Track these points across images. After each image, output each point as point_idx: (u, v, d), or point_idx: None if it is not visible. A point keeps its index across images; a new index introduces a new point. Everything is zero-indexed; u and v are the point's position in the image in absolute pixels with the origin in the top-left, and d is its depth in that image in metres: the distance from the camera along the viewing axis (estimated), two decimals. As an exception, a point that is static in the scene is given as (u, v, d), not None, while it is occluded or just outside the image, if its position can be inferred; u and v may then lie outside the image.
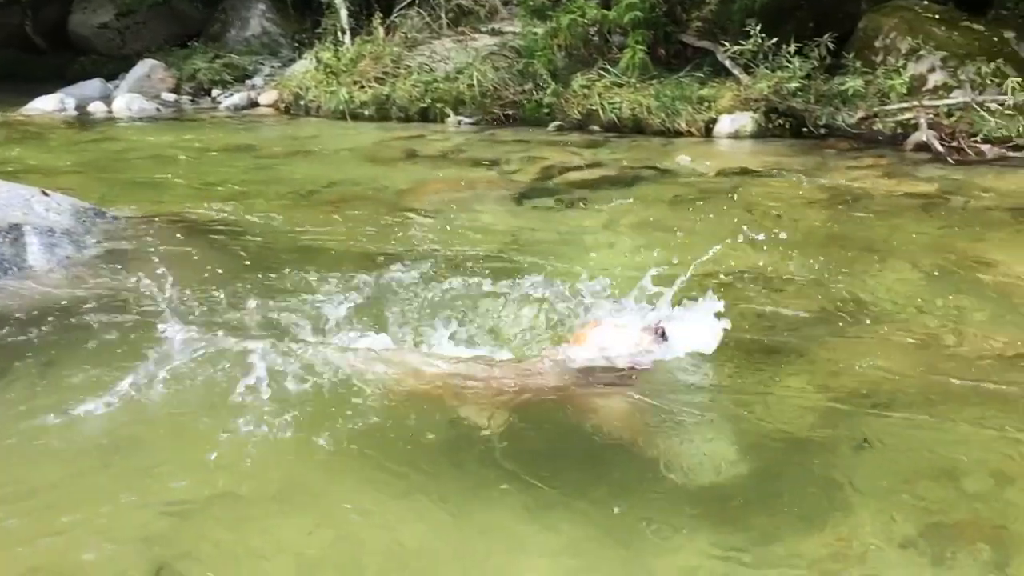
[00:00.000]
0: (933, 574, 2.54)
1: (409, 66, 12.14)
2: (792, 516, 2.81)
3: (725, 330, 3.68)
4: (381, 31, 12.90)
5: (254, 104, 13.70)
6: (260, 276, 4.96)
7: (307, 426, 3.27)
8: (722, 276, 5.13)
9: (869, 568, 2.56)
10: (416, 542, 2.72)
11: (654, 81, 10.75)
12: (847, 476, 3.01)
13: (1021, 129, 8.52)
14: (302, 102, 12.63)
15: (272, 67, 15.28)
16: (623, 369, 3.57)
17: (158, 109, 13.50)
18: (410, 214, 6.53)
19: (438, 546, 2.71)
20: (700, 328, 3.68)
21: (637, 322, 3.70)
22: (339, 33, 13.49)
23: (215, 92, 14.64)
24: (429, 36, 12.81)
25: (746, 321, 4.24)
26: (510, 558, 2.65)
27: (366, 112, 11.84)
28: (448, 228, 6.13)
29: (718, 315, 3.69)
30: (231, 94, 14.14)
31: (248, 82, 14.86)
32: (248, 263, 5.25)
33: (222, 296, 4.52)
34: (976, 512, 2.83)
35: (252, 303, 4.36)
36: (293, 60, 14.72)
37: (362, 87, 12.03)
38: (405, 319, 3.89)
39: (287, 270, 4.98)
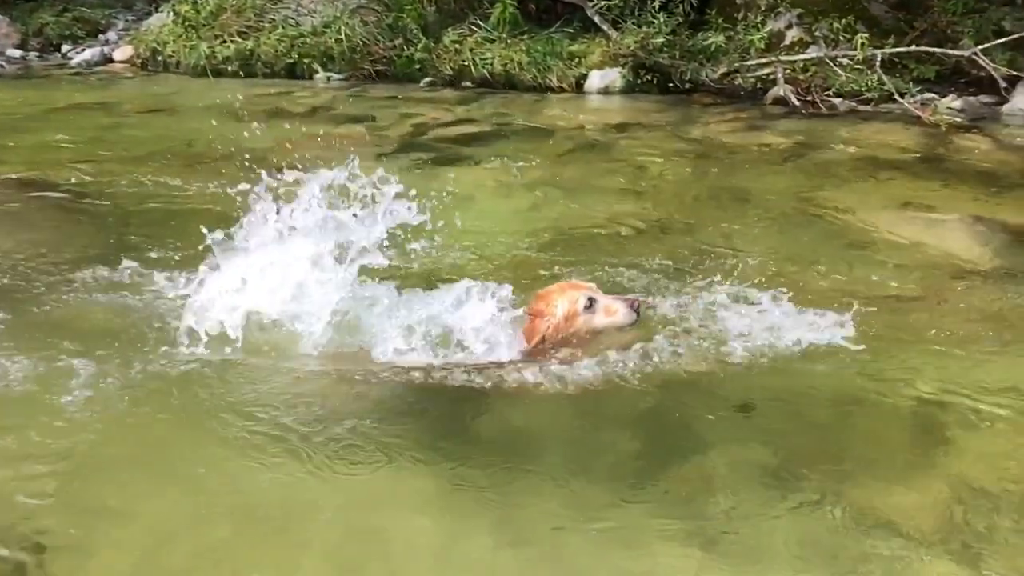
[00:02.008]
0: (783, 493, 2.73)
1: (273, 20, 11.68)
2: (658, 459, 2.94)
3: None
4: (243, -18, 12.34)
5: (108, 60, 12.93)
6: (112, 242, 4.76)
7: (160, 397, 3.19)
8: (598, 230, 5.24)
9: (729, 494, 2.72)
10: (276, 499, 2.71)
11: (525, 36, 10.76)
12: (708, 423, 3.16)
13: (870, 83, 8.96)
14: (160, 58, 11.99)
15: (127, 21, 14.46)
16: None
17: (1, 66, 12.57)
18: (275, 175, 6.32)
19: (302, 501, 2.70)
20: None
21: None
22: (198, -16, 12.83)
23: (65, 48, 13.72)
24: (294, -12, 12.34)
25: (623, 277, 4.33)
26: (375, 511, 2.67)
27: (229, 68, 11.34)
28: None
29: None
30: (83, 50, 13.30)
31: (101, 37, 14.01)
32: (95, 228, 5.03)
33: (60, 263, 4.33)
34: (822, 439, 3.09)
35: (94, 269, 4.19)
36: (149, 13, 13.96)
37: (224, 42, 11.51)
38: (265, 287, 3.71)
39: (139, 236, 4.79)
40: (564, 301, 3.57)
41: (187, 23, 11.89)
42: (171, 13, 12.34)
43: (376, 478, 2.81)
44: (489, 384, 3.34)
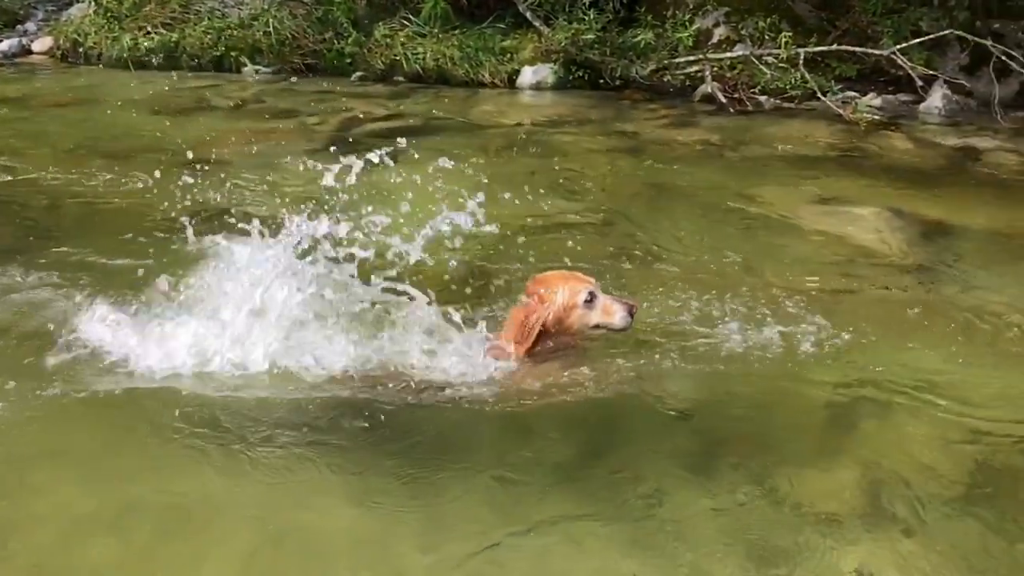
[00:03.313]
0: (712, 490, 2.77)
1: (199, 11, 11.41)
2: (591, 462, 2.95)
3: None
4: (167, -28, 12.02)
5: (27, 52, 12.50)
6: (31, 243, 4.60)
7: (85, 404, 3.10)
8: (539, 230, 5.24)
9: (661, 494, 2.75)
10: (200, 501, 2.67)
11: (457, 32, 10.73)
12: (640, 425, 3.21)
13: (793, 81, 9.19)
14: (81, 49, 11.63)
15: (47, 11, 13.99)
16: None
17: (-89, 57, 12.05)
18: (201, 171, 6.19)
19: (229, 504, 2.67)
20: None
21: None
22: (121, -26, 12.46)
23: (-20, 38, 13.24)
24: (221, -21, 12.08)
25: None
26: (307, 509, 2.65)
27: (154, 60, 11.06)
28: (244, 185, 5.87)
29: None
30: (0, 40, 12.84)
31: (19, 27, 13.53)
32: (16, 227, 4.87)
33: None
34: (749, 435, 3.16)
35: (15, 269, 4.09)
36: (70, 3, 13.53)
37: (148, 33, 11.22)
38: (189, 290, 3.59)
39: (56, 235, 4.64)
40: (565, 290, 3.36)
41: (109, 13, 11.56)
42: (92, 3, 11.97)
43: (309, 486, 2.76)
44: (437, 394, 3.29)
